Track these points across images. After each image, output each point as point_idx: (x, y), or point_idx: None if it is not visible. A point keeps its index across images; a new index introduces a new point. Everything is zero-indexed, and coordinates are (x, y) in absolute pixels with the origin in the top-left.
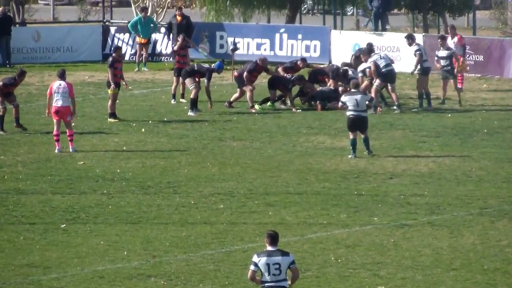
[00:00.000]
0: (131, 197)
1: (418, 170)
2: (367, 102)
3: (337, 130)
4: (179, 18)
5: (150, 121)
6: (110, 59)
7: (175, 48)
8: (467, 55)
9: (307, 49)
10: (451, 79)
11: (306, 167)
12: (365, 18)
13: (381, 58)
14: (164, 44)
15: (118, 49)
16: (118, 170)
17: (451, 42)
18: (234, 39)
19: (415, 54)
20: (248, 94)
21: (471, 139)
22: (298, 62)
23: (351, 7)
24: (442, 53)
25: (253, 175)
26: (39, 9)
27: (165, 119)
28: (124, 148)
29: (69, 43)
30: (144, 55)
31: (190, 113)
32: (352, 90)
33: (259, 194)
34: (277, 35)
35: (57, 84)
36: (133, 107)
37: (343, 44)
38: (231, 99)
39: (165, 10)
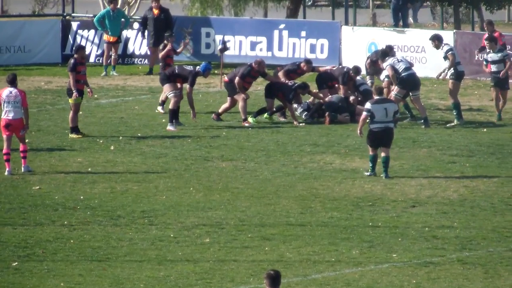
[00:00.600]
0: (97, 229)
1: (447, 197)
2: (396, 115)
3: (348, 148)
4: (156, 11)
5: (120, 137)
6: (72, 61)
7: (160, 56)
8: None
9: (313, 49)
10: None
11: (311, 192)
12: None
13: (398, 61)
14: (137, 43)
15: (80, 49)
16: (81, 197)
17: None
18: (224, 37)
19: (445, 57)
20: (240, 104)
21: (510, 159)
22: (302, 65)
23: None
24: (494, 56)
25: (246, 203)
26: None
27: (139, 134)
28: (89, 169)
29: (21, 42)
30: (113, 57)
31: (170, 127)
32: (377, 97)
33: (253, 226)
34: (276, 32)
35: (7, 92)
36: (100, 120)
37: (357, 43)
38: (220, 110)
39: (139, 1)
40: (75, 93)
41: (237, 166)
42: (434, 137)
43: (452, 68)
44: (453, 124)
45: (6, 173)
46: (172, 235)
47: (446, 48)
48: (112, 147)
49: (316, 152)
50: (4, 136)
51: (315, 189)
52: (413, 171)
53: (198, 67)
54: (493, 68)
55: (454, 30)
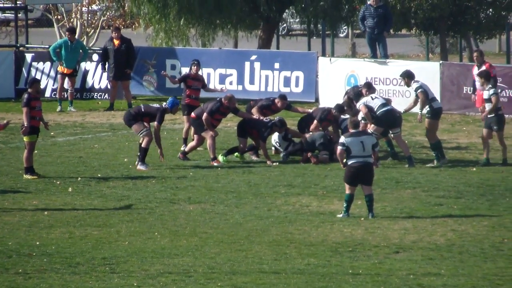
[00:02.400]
0: (54, 278)
1: (433, 242)
2: (375, 149)
3: (326, 189)
4: (116, 42)
5: (79, 178)
6: (26, 96)
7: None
8: (499, 90)
9: (287, 82)
10: (495, 131)
11: (285, 237)
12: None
13: (373, 99)
14: (97, 76)
15: (35, 82)
16: (37, 243)
17: (477, 72)
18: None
19: (416, 95)
20: (208, 142)
21: (502, 201)
22: (276, 101)
23: (345, 27)
24: (485, 93)
25: (216, 249)
26: None
27: (99, 175)
28: (46, 213)
29: None
30: (69, 91)
31: (140, 167)
32: (353, 130)
33: (224, 274)
34: (247, 64)
35: None
36: (57, 160)
37: (335, 76)
38: (187, 149)
39: (98, 31)
40: (26, 127)
41: (206, 209)
42: (419, 177)
43: (427, 107)
44: (432, 165)
45: None
46: (135, 284)
47: (415, 86)
48: (70, 189)
49: (291, 194)
50: None
51: (290, 233)
52: (397, 214)
53: (164, 103)
54: (487, 107)
55: (441, 61)
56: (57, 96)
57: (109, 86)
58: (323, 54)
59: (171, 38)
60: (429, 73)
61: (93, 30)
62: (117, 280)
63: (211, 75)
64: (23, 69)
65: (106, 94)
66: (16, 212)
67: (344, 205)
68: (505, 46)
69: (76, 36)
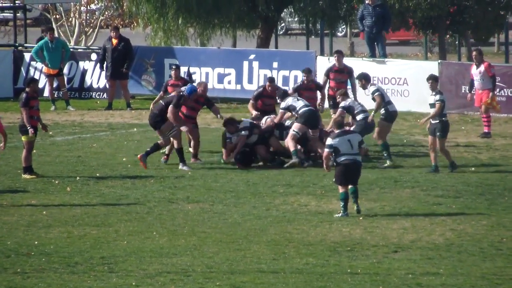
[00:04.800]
0: (53, 277)
1: (432, 241)
2: (362, 146)
3: (325, 188)
4: (114, 41)
5: (78, 178)
6: (24, 95)
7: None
8: (498, 89)
9: (286, 81)
10: (438, 137)
11: (284, 237)
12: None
13: (297, 100)
14: (95, 75)
15: (32, 82)
16: (36, 242)
17: (476, 71)
18: (189, 68)
19: (373, 98)
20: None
21: (501, 200)
22: (266, 86)
23: (343, 26)
24: (431, 99)
25: (214, 248)
26: None
27: (98, 174)
28: (44, 212)
29: None
30: (63, 90)
31: (183, 167)
32: (338, 130)
33: (222, 273)
34: (246, 63)
35: None
36: (55, 159)
37: None
38: (193, 151)
39: (96, 30)
40: (30, 130)
41: (204, 208)
42: (418, 176)
43: (382, 109)
44: (386, 165)
45: None
46: (134, 284)
47: (372, 89)
48: (68, 188)
49: (290, 193)
50: None
51: (289, 233)
52: (396, 213)
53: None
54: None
55: (439, 60)
56: (49, 97)
57: (107, 86)
58: (322, 54)
59: (169, 38)
60: (427, 72)
61: (91, 30)
62: (115, 280)
63: (210, 74)
64: (22, 68)
65: (105, 94)
66: (14, 212)
67: (341, 204)
68: (503, 45)
69: (75, 36)
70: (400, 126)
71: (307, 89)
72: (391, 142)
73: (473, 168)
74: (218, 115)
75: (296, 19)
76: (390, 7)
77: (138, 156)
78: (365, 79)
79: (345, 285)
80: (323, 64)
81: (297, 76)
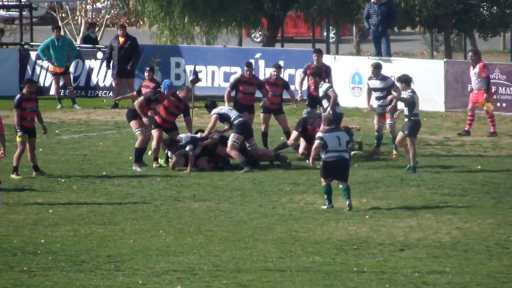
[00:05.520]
0: (59, 276)
1: (438, 240)
2: (348, 145)
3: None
4: (121, 39)
5: (84, 176)
6: (17, 97)
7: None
8: (503, 88)
9: (292, 79)
10: (406, 135)
11: (290, 235)
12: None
13: (230, 109)
14: (101, 73)
15: (28, 83)
16: (42, 241)
17: (472, 72)
18: (195, 67)
19: (326, 95)
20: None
21: (507, 199)
22: (245, 71)
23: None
24: (375, 83)
25: (221, 246)
26: None
27: (104, 173)
28: (50, 211)
29: None
30: (69, 89)
31: (136, 168)
32: (327, 127)
33: (228, 272)
34: (252, 62)
35: None
36: (62, 158)
37: (340, 74)
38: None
39: (102, 29)
40: (19, 133)
41: (211, 207)
42: (424, 175)
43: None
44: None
45: None
46: (140, 282)
47: (326, 86)
48: (74, 187)
49: (296, 192)
50: None
51: (295, 231)
52: (401, 212)
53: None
54: (377, 95)
55: (445, 59)
56: (55, 95)
57: (113, 84)
58: (328, 52)
59: (175, 36)
60: (433, 71)
61: (97, 28)
62: (122, 278)
63: (216, 73)
64: (28, 67)
65: (111, 92)
66: (21, 210)
67: (325, 197)
68: (509, 44)
69: (81, 34)
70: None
71: (274, 84)
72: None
73: (479, 167)
74: (189, 129)
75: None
76: (396, 6)
77: (133, 168)
78: (319, 76)
79: (352, 284)
80: (329, 62)
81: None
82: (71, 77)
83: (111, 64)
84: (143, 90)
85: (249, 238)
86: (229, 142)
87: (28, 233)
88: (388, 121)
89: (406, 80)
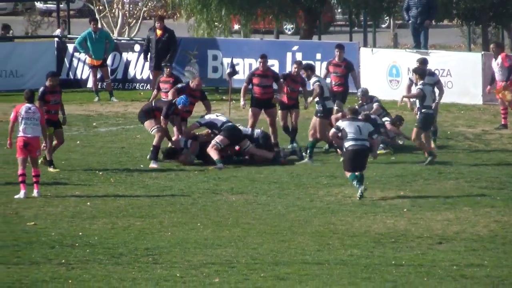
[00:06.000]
0: (97, 269)
1: (476, 233)
2: (373, 137)
3: (369, 180)
4: (159, 32)
5: (121, 169)
6: (41, 89)
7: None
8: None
9: None
10: (415, 127)
11: (328, 228)
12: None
13: (217, 116)
14: (139, 66)
15: (51, 76)
16: (80, 233)
17: (495, 63)
18: (232, 59)
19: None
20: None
21: None
22: (259, 63)
23: (387, 18)
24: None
25: (258, 239)
26: None
27: (142, 166)
28: (88, 204)
29: (12, 66)
30: (107, 82)
31: (152, 165)
32: (350, 116)
33: (266, 264)
34: (289, 55)
35: (26, 108)
36: (99, 150)
37: (377, 66)
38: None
39: (140, 21)
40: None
41: (248, 199)
42: (462, 168)
43: (320, 105)
44: (304, 161)
45: (21, 195)
46: (178, 275)
47: (314, 79)
48: (112, 180)
49: (334, 185)
50: (19, 158)
51: (333, 224)
52: (440, 205)
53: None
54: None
55: (482, 52)
56: (93, 88)
57: (151, 76)
58: (365, 45)
59: (213, 29)
60: (470, 63)
61: (134, 21)
62: (160, 271)
63: (253, 66)
64: (65, 59)
65: (148, 85)
66: (59, 203)
67: (355, 185)
68: None
69: (118, 27)
70: (444, 118)
71: (294, 80)
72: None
73: None
74: (209, 112)
75: (339, 10)
76: None
77: (150, 166)
78: (310, 69)
79: (390, 277)
80: (366, 55)
81: None
82: (109, 70)
83: (148, 56)
84: (162, 86)
85: (287, 231)
86: (212, 142)
87: (66, 226)
88: None
89: (421, 73)
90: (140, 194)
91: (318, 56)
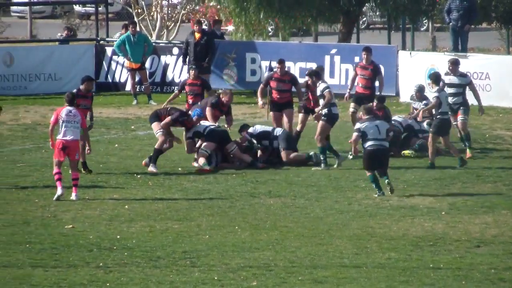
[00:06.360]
0: (135, 272)
1: None
2: (389, 134)
3: (407, 183)
4: (197, 35)
5: (159, 172)
6: (74, 91)
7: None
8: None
9: None
10: (430, 132)
11: (366, 232)
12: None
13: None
14: (177, 69)
15: (87, 81)
16: (118, 236)
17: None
18: (270, 63)
19: (322, 95)
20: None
21: None
22: (276, 67)
23: (425, 21)
24: (453, 79)
25: (296, 243)
26: (12, 24)
27: (180, 169)
28: (126, 207)
29: (51, 69)
30: (145, 85)
31: (151, 168)
32: (367, 116)
33: (304, 268)
34: (327, 58)
35: (67, 111)
36: (137, 153)
37: (415, 69)
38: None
39: (178, 24)
40: None
41: (286, 203)
42: (500, 171)
43: (326, 109)
44: (320, 168)
45: (58, 192)
46: (216, 278)
47: (323, 86)
48: (150, 183)
49: (372, 188)
50: (55, 160)
51: (371, 227)
52: (478, 208)
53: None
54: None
55: None
56: (131, 91)
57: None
58: (403, 48)
59: (251, 32)
60: (509, 66)
61: (173, 24)
62: (197, 274)
63: (291, 69)
64: (104, 62)
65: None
66: (96, 206)
67: (374, 186)
68: None
69: (156, 30)
70: (482, 121)
71: (280, 81)
72: (473, 136)
73: None
74: (229, 126)
75: (377, 13)
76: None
77: (149, 169)
78: (316, 75)
79: (428, 280)
80: (405, 58)
81: None
82: (147, 73)
83: (187, 59)
84: (189, 88)
85: (324, 234)
86: (200, 151)
87: (104, 229)
88: (459, 117)
89: (435, 79)
90: (178, 197)
91: (357, 59)
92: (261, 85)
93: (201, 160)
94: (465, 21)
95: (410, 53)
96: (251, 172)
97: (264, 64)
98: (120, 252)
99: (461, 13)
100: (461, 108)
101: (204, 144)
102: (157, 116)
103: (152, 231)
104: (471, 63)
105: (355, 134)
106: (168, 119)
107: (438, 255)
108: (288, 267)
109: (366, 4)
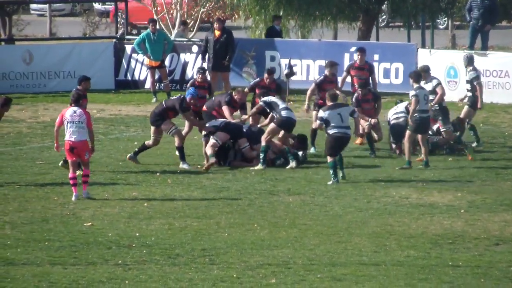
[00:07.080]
0: (154, 269)
1: None
2: (354, 116)
3: (426, 181)
4: (217, 33)
5: (178, 170)
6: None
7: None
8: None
9: (387, 73)
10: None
11: (385, 229)
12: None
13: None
14: (197, 67)
15: (84, 80)
16: (137, 234)
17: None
18: (290, 60)
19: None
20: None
21: None
22: (264, 78)
23: (445, 19)
24: (429, 85)
25: (315, 240)
26: (31, 22)
27: (199, 166)
28: (145, 204)
29: (71, 67)
30: (165, 83)
31: (182, 166)
32: (331, 103)
33: (323, 265)
34: (347, 56)
35: (71, 112)
36: (156, 151)
37: (434, 68)
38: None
39: (198, 22)
40: None
41: (305, 200)
42: None
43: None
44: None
45: (72, 198)
46: (235, 276)
47: (435, 82)
48: (169, 180)
49: (391, 186)
50: (69, 161)
51: (390, 225)
52: (497, 206)
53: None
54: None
55: None
56: (150, 89)
57: (208, 78)
58: (423, 46)
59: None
60: None
61: (192, 22)
62: (216, 272)
63: (311, 67)
64: (123, 60)
65: None
66: (116, 204)
67: (331, 172)
68: None
69: (176, 28)
70: (502, 119)
71: (266, 88)
72: (492, 134)
73: None
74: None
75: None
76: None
77: (127, 157)
78: (414, 78)
79: (447, 278)
80: (424, 56)
81: (398, 68)
82: (167, 71)
83: (206, 57)
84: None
85: (343, 232)
86: (211, 140)
87: (123, 226)
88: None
89: (415, 76)
90: (197, 195)
91: (376, 57)
92: (246, 89)
93: (209, 150)
94: (486, 20)
95: (430, 51)
96: (270, 170)
97: (284, 62)
98: (139, 250)
99: (482, 12)
100: (440, 118)
101: (217, 133)
102: (161, 117)
103: (171, 228)
104: (490, 61)
105: (318, 122)
106: (186, 116)
107: (457, 253)
108: (307, 265)
109: (386, 2)
